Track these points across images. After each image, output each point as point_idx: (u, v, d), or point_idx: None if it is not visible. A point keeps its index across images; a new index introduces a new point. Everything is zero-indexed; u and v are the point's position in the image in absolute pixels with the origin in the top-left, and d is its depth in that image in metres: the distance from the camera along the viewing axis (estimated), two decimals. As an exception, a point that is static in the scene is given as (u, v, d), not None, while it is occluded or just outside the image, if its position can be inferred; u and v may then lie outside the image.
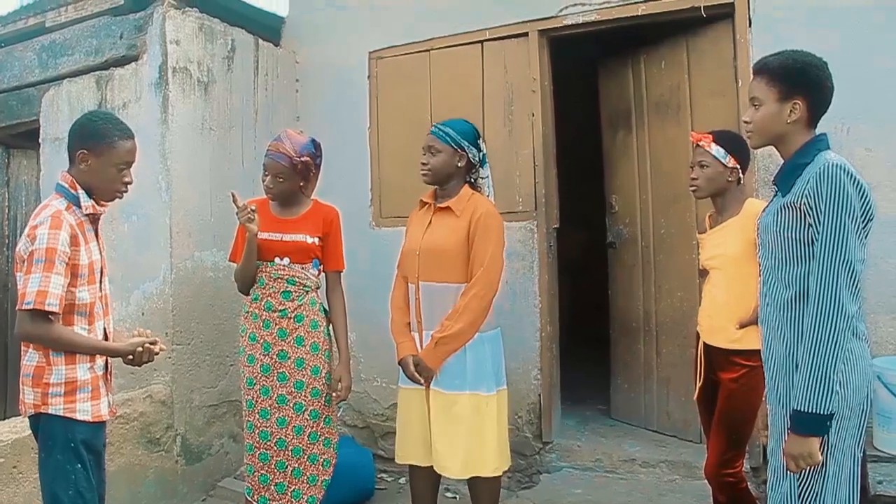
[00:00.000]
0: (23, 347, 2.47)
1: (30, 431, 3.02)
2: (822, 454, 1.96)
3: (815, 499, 1.99)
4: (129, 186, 2.60)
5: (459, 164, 3.20)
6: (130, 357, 2.51)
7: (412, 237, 3.28)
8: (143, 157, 3.87)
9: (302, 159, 3.25)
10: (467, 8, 4.49)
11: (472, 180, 3.29)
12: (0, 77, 4.84)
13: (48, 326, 2.35)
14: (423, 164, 3.21)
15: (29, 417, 2.48)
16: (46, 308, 2.30)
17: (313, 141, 3.37)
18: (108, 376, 2.60)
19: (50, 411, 2.39)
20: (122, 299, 4.02)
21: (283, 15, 5.11)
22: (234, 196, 3.18)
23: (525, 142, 4.35)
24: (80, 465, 2.40)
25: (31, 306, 2.29)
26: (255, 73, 4.63)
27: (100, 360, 2.53)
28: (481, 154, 3.27)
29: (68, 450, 2.39)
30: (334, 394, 3.32)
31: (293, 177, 3.26)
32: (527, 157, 4.34)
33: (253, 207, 3.16)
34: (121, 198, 2.63)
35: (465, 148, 3.18)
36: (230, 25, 4.45)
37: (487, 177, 3.34)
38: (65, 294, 2.37)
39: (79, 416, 2.42)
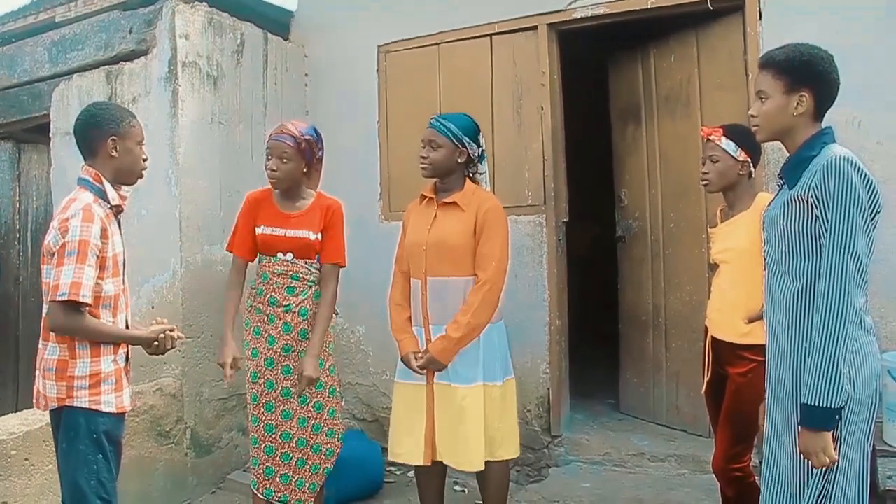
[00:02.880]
0: (42, 341, 2.49)
1: (42, 424, 3.06)
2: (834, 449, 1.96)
3: (825, 494, 1.99)
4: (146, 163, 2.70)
5: (459, 160, 3.18)
6: (156, 343, 2.56)
7: (416, 232, 3.26)
8: (153, 151, 3.89)
9: (305, 138, 3.24)
10: (476, 1, 4.48)
11: (471, 174, 3.28)
12: (10, 72, 4.86)
13: (81, 318, 2.38)
14: (423, 157, 3.18)
15: (50, 411, 2.50)
16: (81, 300, 2.32)
17: (315, 128, 3.36)
18: (129, 368, 2.63)
19: (75, 404, 2.42)
20: (132, 293, 3.99)
21: (292, 9, 5.11)
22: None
23: (534, 135, 4.34)
24: (101, 456, 2.44)
25: (65, 298, 2.31)
26: (264, 67, 4.64)
27: (121, 352, 2.56)
28: (481, 150, 3.26)
29: (91, 441, 2.42)
30: (293, 386, 3.23)
31: (297, 157, 3.23)
32: (536, 151, 4.33)
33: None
34: (142, 177, 2.71)
35: (466, 144, 3.16)
36: (239, 20, 4.45)
37: (485, 172, 3.34)
38: (94, 286, 2.40)
39: (104, 408, 2.45)
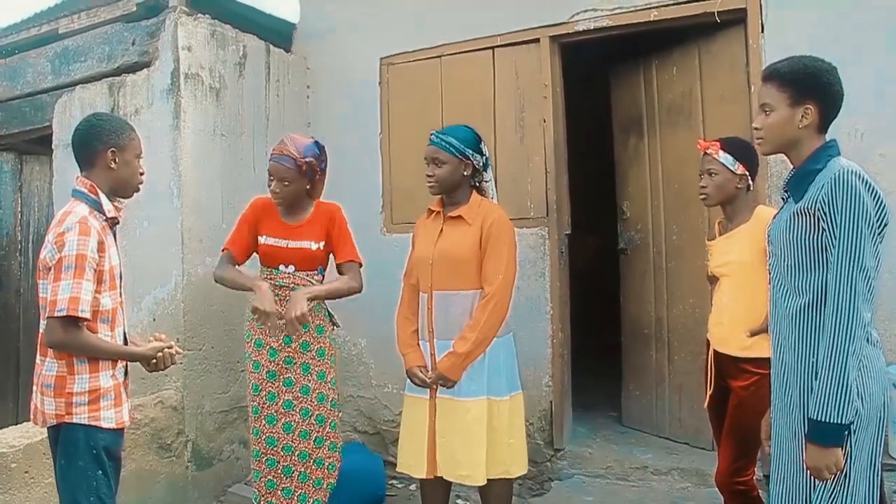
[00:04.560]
0: (39, 356, 2.46)
1: (42, 436, 3.04)
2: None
3: (834, 510, 1.97)
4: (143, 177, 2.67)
5: (465, 173, 3.17)
6: (154, 361, 2.53)
7: (423, 246, 3.26)
8: (155, 163, 3.93)
9: (306, 160, 3.25)
10: (478, 14, 4.49)
11: (477, 184, 3.27)
12: (13, 83, 4.88)
13: (79, 334, 2.35)
14: (429, 175, 3.18)
15: (49, 428, 2.47)
16: (80, 315, 2.29)
17: (317, 143, 3.36)
18: (128, 382, 2.60)
19: (74, 420, 2.38)
20: (133, 305, 4.01)
21: (295, 21, 5.12)
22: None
23: (536, 148, 4.34)
24: (101, 472, 2.41)
25: (64, 313, 2.28)
26: (266, 79, 4.65)
27: (120, 367, 2.53)
28: (484, 158, 3.25)
29: (90, 457, 2.39)
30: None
31: (299, 179, 3.25)
32: (538, 164, 4.33)
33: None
34: (138, 191, 2.67)
35: (470, 156, 3.15)
36: (242, 32, 4.46)
37: (491, 180, 3.33)
38: (91, 300, 2.37)
39: (103, 424, 2.42)
